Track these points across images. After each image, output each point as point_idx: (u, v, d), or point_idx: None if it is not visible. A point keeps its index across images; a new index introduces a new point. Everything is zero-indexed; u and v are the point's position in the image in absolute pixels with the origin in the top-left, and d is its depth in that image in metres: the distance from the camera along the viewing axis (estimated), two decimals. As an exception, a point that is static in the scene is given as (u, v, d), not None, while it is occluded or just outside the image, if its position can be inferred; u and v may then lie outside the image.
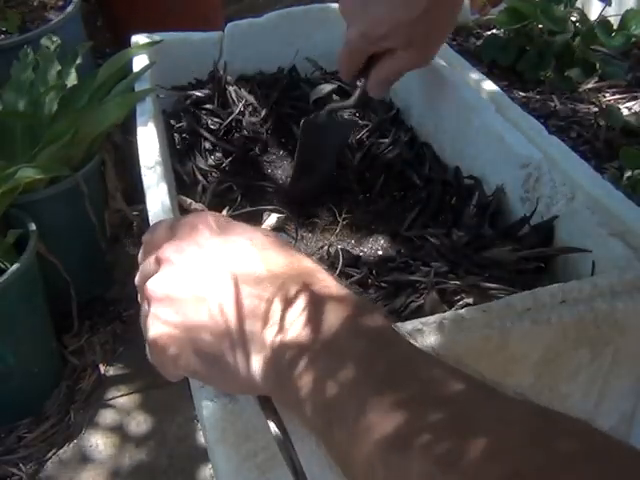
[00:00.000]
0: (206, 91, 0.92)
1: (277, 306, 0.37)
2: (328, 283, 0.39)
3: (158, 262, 0.42)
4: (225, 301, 0.38)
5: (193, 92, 0.91)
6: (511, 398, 0.32)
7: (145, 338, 0.41)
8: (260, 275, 0.38)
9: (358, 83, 0.75)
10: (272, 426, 0.39)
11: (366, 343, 0.35)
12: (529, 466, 0.27)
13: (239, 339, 0.38)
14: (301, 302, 0.37)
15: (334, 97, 0.91)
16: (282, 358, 0.36)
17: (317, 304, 0.37)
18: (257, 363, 0.37)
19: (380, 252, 0.69)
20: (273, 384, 0.37)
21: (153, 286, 0.41)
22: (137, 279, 0.45)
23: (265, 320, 0.37)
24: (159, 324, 0.40)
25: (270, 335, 0.37)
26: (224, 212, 0.74)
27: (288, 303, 0.37)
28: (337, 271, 0.62)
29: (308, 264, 0.41)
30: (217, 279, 0.39)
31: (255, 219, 0.74)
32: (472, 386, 0.33)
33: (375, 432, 0.31)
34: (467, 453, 0.29)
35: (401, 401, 0.31)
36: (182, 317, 0.39)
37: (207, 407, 0.44)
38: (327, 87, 0.91)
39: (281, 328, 0.37)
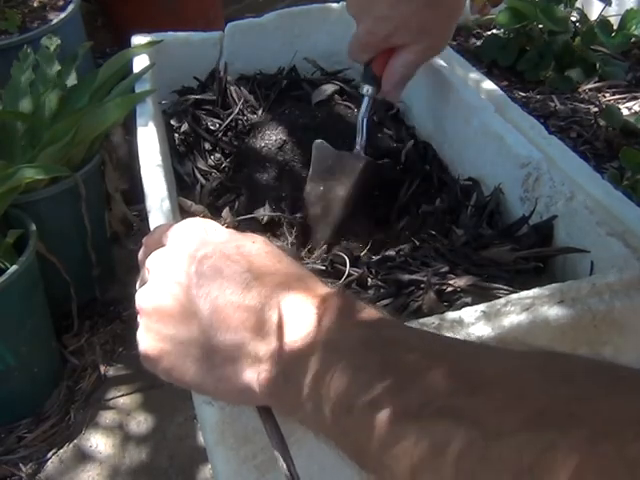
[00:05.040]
0: (206, 92, 0.92)
1: (266, 316, 0.37)
2: (315, 286, 0.39)
3: (149, 271, 0.42)
4: (214, 314, 0.38)
5: (193, 95, 0.91)
6: (511, 349, 0.32)
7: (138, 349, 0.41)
8: (248, 285, 0.38)
9: (365, 92, 0.75)
10: (269, 434, 0.39)
11: (359, 331, 0.35)
12: (551, 403, 0.27)
13: (231, 352, 0.37)
14: (290, 309, 0.37)
15: (335, 97, 0.91)
16: (277, 367, 0.36)
17: (306, 309, 0.36)
18: (251, 375, 0.37)
19: (379, 252, 0.69)
20: (270, 393, 0.37)
21: (142, 298, 0.41)
22: (137, 285, 0.45)
23: (255, 331, 0.37)
24: (150, 338, 0.40)
25: (262, 346, 0.36)
26: (224, 213, 0.74)
27: (277, 312, 0.37)
28: (346, 272, 0.62)
29: (296, 269, 0.40)
30: (205, 291, 0.38)
31: (256, 220, 0.74)
32: (469, 345, 0.33)
33: (385, 412, 0.31)
34: (484, 407, 0.28)
35: (405, 378, 0.31)
36: (172, 331, 0.39)
37: (206, 410, 0.44)
38: (329, 88, 0.91)
39: (272, 338, 0.36)
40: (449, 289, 0.57)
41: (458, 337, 0.47)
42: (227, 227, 0.44)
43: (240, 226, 0.71)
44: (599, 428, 0.25)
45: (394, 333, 0.35)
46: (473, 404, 0.29)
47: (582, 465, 0.25)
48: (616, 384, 0.28)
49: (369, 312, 0.37)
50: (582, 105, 1.53)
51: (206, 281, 0.39)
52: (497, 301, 0.49)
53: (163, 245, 0.43)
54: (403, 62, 0.71)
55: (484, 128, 0.73)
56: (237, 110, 0.88)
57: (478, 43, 1.75)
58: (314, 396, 0.34)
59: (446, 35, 0.73)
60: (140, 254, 0.46)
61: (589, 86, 1.59)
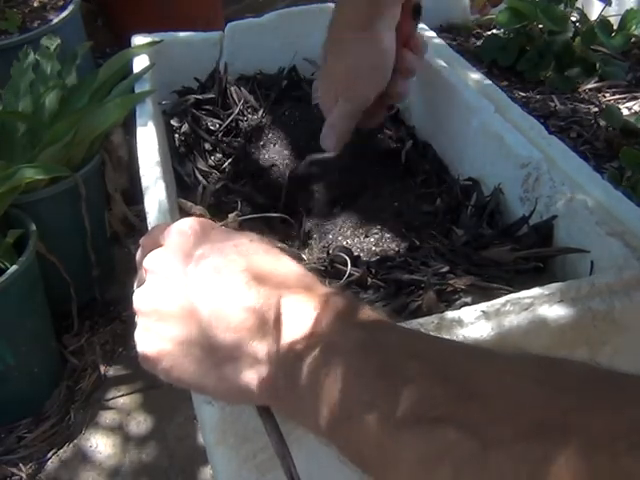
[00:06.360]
0: (206, 92, 0.92)
1: (266, 316, 0.37)
2: (314, 286, 0.39)
3: (146, 271, 0.42)
4: (213, 314, 0.38)
5: (193, 95, 0.91)
6: (510, 355, 0.33)
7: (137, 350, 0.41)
8: (247, 284, 0.38)
9: None
10: (270, 434, 0.39)
11: (358, 334, 0.35)
12: (547, 414, 0.27)
13: (230, 352, 0.37)
14: (290, 310, 0.36)
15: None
16: (277, 369, 0.36)
17: (305, 310, 0.36)
18: (250, 375, 0.37)
19: (379, 251, 0.69)
20: (269, 394, 0.37)
21: (139, 299, 0.41)
22: (135, 285, 0.45)
23: (255, 331, 0.37)
24: (149, 339, 0.40)
25: (262, 346, 0.36)
26: (231, 216, 0.74)
27: (277, 312, 0.36)
28: (346, 273, 0.62)
29: (294, 268, 0.40)
30: (203, 291, 0.38)
31: (258, 221, 0.74)
32: (466, 350, 0.33)
33: (384, 419, 0.31)
34: (483, 417, 0.28)
35: (403, 384, 0.31)
36: (171, 332, 0.39)
37: (206, 409, 0.44)
38: None
39: (272, 339, 0.36)
40: (449, 289, 0.57)
41: (457, 338, 0.47)
42: (227, 227, 0.44)
43: (242, 227, 0.71)
44: (594, 439, 0.26)
45: (393, 336, 0.35)
46: (471, 413, 0.29)
47: (577, 476, 0.25)
48: (610, 394, 0.28)
49: (368, 313, 0.37)
50: (582, 105, 1.52)
51: (204, 280, 0.39)
52: (497, 301, 0.49)
53: (160, 245, 0.43)
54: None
55: (484, 128, 0.73)
56: (237, 110, 0.88)
57: (478, 43, 1.75)
58: (313, 399, 0.34)
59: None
60: (138, 254, 0.46)
61: (589, 86, 1.59)
